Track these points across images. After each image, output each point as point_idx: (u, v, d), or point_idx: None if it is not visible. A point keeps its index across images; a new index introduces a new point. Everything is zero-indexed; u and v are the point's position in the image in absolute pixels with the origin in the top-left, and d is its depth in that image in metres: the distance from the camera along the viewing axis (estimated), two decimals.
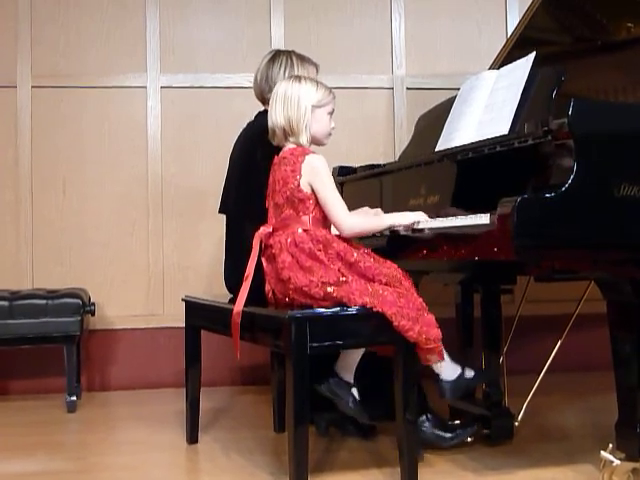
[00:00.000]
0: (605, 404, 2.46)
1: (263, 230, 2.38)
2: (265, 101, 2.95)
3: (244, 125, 2.98)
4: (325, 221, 2.38)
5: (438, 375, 2.39)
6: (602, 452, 2.09)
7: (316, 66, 2.97)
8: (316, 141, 2.45)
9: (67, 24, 3.92)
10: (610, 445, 2.10)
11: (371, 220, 2.49)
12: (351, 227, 2.36)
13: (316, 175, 2.34)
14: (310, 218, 2.34)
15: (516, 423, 2.62)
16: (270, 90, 2.86)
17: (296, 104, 2.38)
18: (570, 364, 3.37)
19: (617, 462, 2.06)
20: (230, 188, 2.89)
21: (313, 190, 2.34)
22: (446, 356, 2.36)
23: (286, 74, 2.85)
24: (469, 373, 2.44)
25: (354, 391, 2.44)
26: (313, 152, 2.40)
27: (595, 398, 3.29)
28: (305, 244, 2.28)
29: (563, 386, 3.46)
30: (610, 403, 2.24)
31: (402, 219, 2.42)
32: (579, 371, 3.73)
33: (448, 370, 2.39)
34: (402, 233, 2.44)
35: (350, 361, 2.46)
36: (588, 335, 3.45)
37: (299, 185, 2.33)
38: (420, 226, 2.40)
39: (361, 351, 2.44)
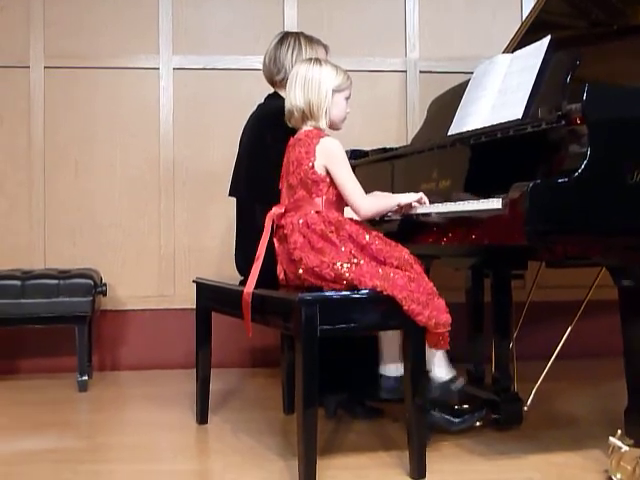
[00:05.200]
0: (615, 390, 2.47)
1: (275, 211, 2.39)
2: (274, 83, 2.94)
3: (255, 107, 2.97)
4: (338, 203, 2.38)
5: (429, 371, 2.43)
6: (611, 438, 2.09)
7: (325, 47, 2.96)
8: (333, 125, 2.45)
9: (80, 4, 3.91)
10: (619, 431, 2.10)
11: (384, 201, 2.49)
12: (368, 209, 2.38)
13: (332, 158, 2.34)
14: (323, 200, 2.35)
15: (525, 408, 2.62)
16: (279, 72, 2.86)
17: (317, 87, 2.37)
18: (580, 350, 3.36)
19: (626, 448, 2.06)
20: (240, 171, 2.89)
21: (327, 172, 2.34)
22: (445, 357, 2.38)
23: (294, 56, 2.85)
24: (458, 384, 2.47)
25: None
26: (328, 135, 2.40)
27: (605, 384, 3.29)
28: (317, 225, 2.29)
29: (573, 372, 3.46)
30: (620, 389, 2.24)
31: (408, 197, 2.44)
32: (589, 357, 3.72)
33: (442, 370, 2.41)
34: (416, 214, 2.45)
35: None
36: (599, 321, 3.45)
37: (313, 167, 2.33)
38: (431, 210, 2.40)
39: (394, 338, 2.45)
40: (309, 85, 2.38)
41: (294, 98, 2.40)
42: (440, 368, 2.46)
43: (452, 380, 2.54)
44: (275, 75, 2.91)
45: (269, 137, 2.70)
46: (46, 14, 3.87)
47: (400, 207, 2.45)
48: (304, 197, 2.36)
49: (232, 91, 3.97)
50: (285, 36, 2.94)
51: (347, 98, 2.45)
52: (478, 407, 2.61)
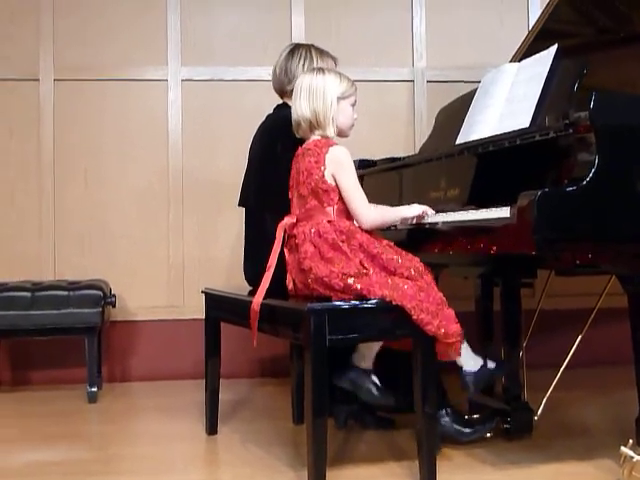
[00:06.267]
0: (626, 399, 2.45)
1: (287, 220, 2.39)
2: (284, 94, 2.95)
3: (264, 118, 2.98)
4: (349, 212, 2.38)
5: (461, 368, 2.39)
6: (622, 447, 2.08)
7: (335, 59, 2.97)
8: (341, 133, 2.46)
9: (88, 17, 3.94)
10: (630, 440, 2.09)
11: (388, 213, 2.48)
12: (373, 220, 2.38)
13: (339, 167, 2.35)
14: (334, 209, 2.35)
15: (536, 417, 2.61)
16: (290, 83, 2.87)
17: (322, 96, 2.39)
18: (591, 359, 3.35)
19: (637, 458, 2.05)
20: (250, 181, 2.89)
21: (336, 181, 2.34)
22: (468, 348, 2.36)
23: (305, 67, 2.86)
24: (491, 364, 2.44)
25: (374, 378, 2.43)
26: (337, 144, 2.40)
27: (616, 393, 3.27)
28: (329, 235, 2.29)
29: (583, 381, 3.45)
30: (631, 398, 2.22)
31: (412, 211, 2.44)
32: (600, 366, 3.70)
33: (470, 361, 2.38)
34: (424, 223, 2.45)
35: (368, 351, 2.46)
36: (609, 329, 3.43)
37: (323, 176, 2.34)
38: (439, 219, 2.40)
39: (379, 342, 2.44)
40: (314, 94, 2.39)
41: (300, 108, 2.42)
42: (468, 361, 2.41)
43: (485, 364, 2.46)
44: (286, 85, 2.92)
45: (279, 146, 2.71)
46: (55, 27, 3.90)
47: (405, 220, 2.45)
48: (316, 207, 2.36)
49: (240, 102, 3.98)
50: (296, 47, 2.96)
51: (353, 105, 2.46)
52: (489, 417, 2.59)
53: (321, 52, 2.94)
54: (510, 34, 4.01)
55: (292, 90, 2.82)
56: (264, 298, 2.31)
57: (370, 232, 2.37)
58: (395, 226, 2.58)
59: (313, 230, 2.32)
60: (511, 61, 3.00)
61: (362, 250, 2.28)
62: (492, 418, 2.58)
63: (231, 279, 3.81)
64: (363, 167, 3.31)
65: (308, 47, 2.96)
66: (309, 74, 2.46)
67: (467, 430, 2.54)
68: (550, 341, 3.39)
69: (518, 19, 4.13)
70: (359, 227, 2.36)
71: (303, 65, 2.88)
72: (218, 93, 3.99)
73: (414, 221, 2.46)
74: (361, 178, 3.23)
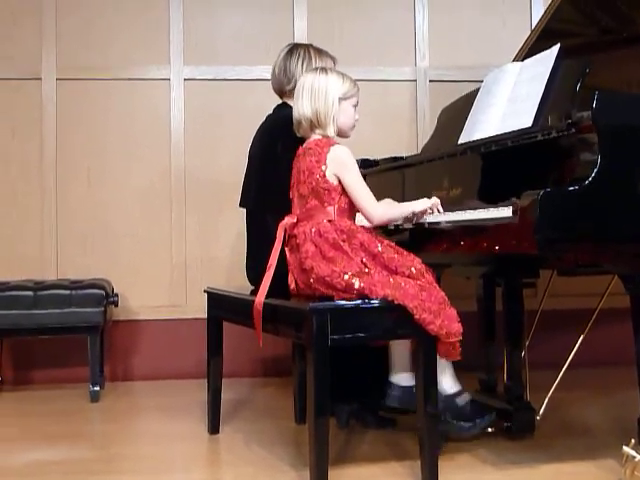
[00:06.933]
0: (628, 399, 2.45)
1: (287, 220, 2.40)
2: (283, 94, 2.96)
3: (264, 118, 2.97)
4: (349, 211, 2.38)
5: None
6: (624, 447, 2.08)
7: (333, 59, 2.97)
8: (341, 133, 2.46)
9: (91, 16, 3.94)
10: (632, 440, 2.08)
11: (397, 208, 2.48)
12: (381, 215, 2.38)
13: (342, 166, 2.35)
14: (335, 209, 2.35)
15: (538, 417, 2.61)
16: (289, 82, 2.88)
17: (324, 96, 2.39)
18: (593, 359, 3.34)
19: (639, 457, 2.05)
20: (250, 181, 2.89)
21: (339, 181, 2.35)
22: (452, 370, 2.43)
23: (304, 67, 2.86)
24: (463, 399, 2.51)
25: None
26: (338, 143, 2.40)
27: (618, 393, 3.27)
28: (329, 234, 2.29)
29: (585, 381, 3.44)
30: (633, 398, 2.22)
31: (422, 204, 2.43)
32: (601, 366, 3.70)
33: (447, 383, 2.42)
34: (427, 222, 2.44)
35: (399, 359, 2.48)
36: (611, 330, 3.43)
37: (324, 176, 2.34)
38: (442, 219, 2.40)
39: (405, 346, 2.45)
40: (316, 94, 2.39)
41: (301, 108, 2.42)
42: (445, 380, 2.47)
43: (457, 394, 2.54)
44: (285, 85, 2.92)
45: (280, 146, 2.71)
46: (58, 26, 3.90)
47: (413, 214, 2.44)
48: (316, 206, 2.36)
49: (242, 102, 3.98)
50: (295, 47, 2.96)
51: (355, 105, 2.46)
52: (487, 410, 2.58)
53: (320, 52, 2.95)
54: (512, 34, 4.01)
55: (291, 90, 2.84)
56: (266, 297, 2.31)
57: (371, 232, 2.37)
58: (400, 225, 2.57)
59: (314, 230, 2.32)
60: (514, 60, 3.00)
61: (363, 249, 2.28)
62: (491, 410, 2.57)
63: (232, 278, 3.81)
64: (365, 167, 3.30)
65: (307, 47, 2.96)
66: (312, 74, 2.46)
67: (467, 424, 2.53)
68: (552, 341, 3.39)
69: (520, 19, 4.12)
70: (360, 226, 2.36)
71: (302, 65, 2.89)
72: (220, 93, 3.99)
73: (414, 220, 2.45)
74: (363, 178, 3.24)
